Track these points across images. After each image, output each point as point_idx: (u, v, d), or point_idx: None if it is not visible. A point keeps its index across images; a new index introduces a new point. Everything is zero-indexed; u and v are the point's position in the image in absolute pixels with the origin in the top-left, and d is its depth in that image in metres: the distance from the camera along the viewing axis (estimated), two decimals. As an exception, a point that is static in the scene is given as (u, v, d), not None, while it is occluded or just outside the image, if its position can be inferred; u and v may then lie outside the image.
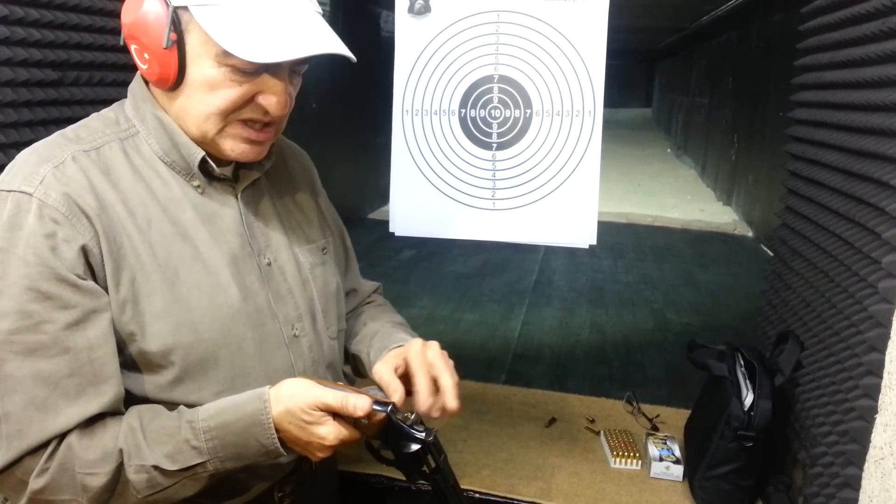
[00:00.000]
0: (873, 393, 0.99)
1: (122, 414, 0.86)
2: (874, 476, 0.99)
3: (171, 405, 0.88)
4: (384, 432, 0.89)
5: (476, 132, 1.61)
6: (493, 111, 1.60)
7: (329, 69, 5.83)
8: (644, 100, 20.90)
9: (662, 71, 17.61)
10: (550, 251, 5.95)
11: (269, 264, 0.98)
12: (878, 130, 1.11)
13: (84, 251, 0.81)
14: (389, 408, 0.88)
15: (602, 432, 1.50)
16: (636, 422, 1.59)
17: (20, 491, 0.82)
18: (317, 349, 1.03)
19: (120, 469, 0.82)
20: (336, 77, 5.98)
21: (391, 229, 1.57)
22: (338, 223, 1.21)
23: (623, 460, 1.40)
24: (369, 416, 0.86)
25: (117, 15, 1.40)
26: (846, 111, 1.26)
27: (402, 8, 1.58)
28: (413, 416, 0.91)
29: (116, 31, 1.41)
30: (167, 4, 0.83)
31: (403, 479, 0.95)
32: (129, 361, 0.87)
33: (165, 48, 0.83)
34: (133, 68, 1.47)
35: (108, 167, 0.87)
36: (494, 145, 1.61)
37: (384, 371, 0.96)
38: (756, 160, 6.95)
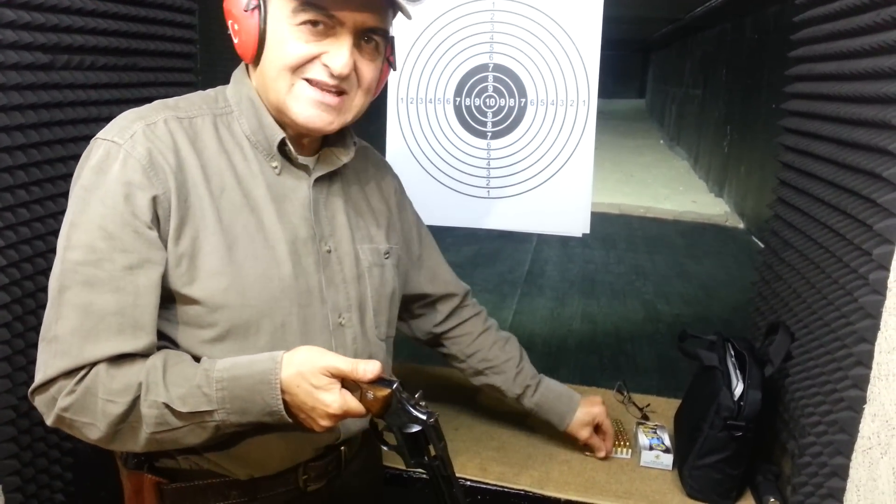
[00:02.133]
0: (862, 383, 1.00)
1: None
2: (862, 465, 1.00)
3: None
4: (387, 411, 0.90)
5: (471, 121, 1.61)
6: (487, 100, 1.60)
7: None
8: (638, 91, 20.89)
9: (656, 62, 17.60)
10: (543, 241, 5.96)
11: (329, 252, 1.04)
12: (870, 122, 1.11)
13: (154, 202, 0.88)
14: (395, 385, 0.89)
15: (593, 421, 1.51)
16: (627, 411, 1.60)
17: (51, 407, 0.88)
18: (361, 343, 1.07)
19: (136, 401, 0.87)
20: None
21: (385, 217, 1.56)
22: (420, 232, 1.31)
23: (614, 449, 1.41)
24: (374, 391, 0.88)
25: (109, -2, 1.39)
26: (839, 103, 1.26)
27: (396, -6, 1.57)
28: (417, 396, 0.92)
29: (107, 15, 1.40)
30: None
31: (402, 466, 0.95)
32: (178, 312, 0.93)
33: (246, 10, 0.92)
34: (127, 53, 1.46)
35: (197, 136, 0.95)
36: (489, 134, 1.61)
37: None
38: (748, 152, 6.97)
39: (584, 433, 1.37)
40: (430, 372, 1.77)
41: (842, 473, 1.04)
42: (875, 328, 0.98)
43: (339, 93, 0.95)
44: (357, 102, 0.99)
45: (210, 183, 0.94)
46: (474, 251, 5.71)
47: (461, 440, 1.44)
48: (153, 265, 0.89)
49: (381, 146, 1.60)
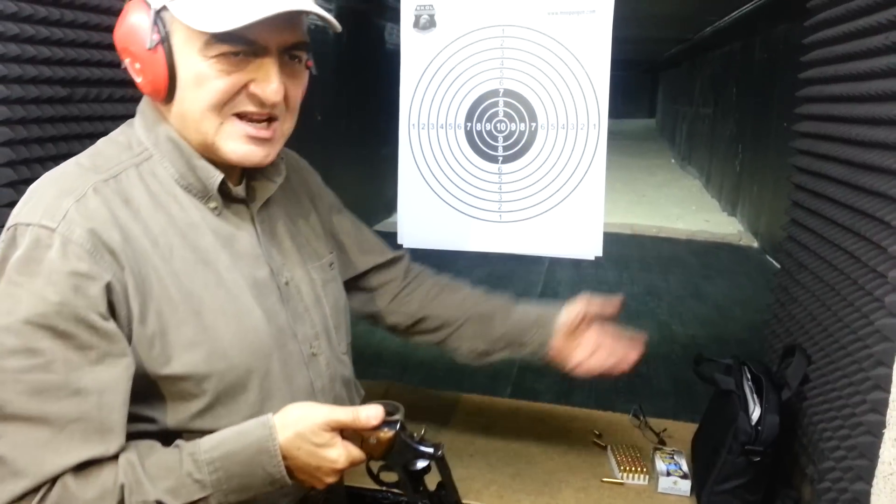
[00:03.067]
0: (881, 408, 0.99)
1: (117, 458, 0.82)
2: (883, 491, 0.98)
3: (200, 434, 0.86)
4: (390, 452, 0.88)
5: (482, 145, 1.62)
6: (498, 125, 1.61)
7: (333, 83, 5.86)
8: (648, 110, 20.93)
9: (666, 81, 17.63)
10: (555, 263, 5.94)
11: (287, 283, 0.98)
12: (882, 144, 1.11)
13: (108, 289, 0.78)
14: (398, 424, 0.87)
15: (609, 447, 1.49)
16: (643, 436, 1.58)
17: None
18: (334, 367, 1.03)
19: None
20: (341, 90, 6.01)
21: (399, 241, 1.57)
22: (349, 216, 1.24)
23: (630, 475, 1.39)
24: (377, 435, 0.86)
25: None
26: (850, 124, 1.26)
27: (407, 23, 1.59)
28: (422, 432, 0.90)
29: (125, 48, 1.44)
30: (149, 7, 0.82)
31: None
32: (160, 393, 0.85)
33: (149, 48, 0.82)
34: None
35: (128, 196, 0.85)
36: (500, 158, 1.61)
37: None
38: (761, 170, 6.94)
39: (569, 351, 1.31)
40: (445, 397, 1.76)
41: (863, 500, 1.02)
42: (892, 351, 0.97)
43: (270, 120, 0.88)
44: (287, 127, 0.92)
45: (158, 247, 0.84)
46: (486, 273, 5.68)
47: (476, 467, 1.44)
48: (116, 357, 0.79)
49: (393, 171, 1.61)
